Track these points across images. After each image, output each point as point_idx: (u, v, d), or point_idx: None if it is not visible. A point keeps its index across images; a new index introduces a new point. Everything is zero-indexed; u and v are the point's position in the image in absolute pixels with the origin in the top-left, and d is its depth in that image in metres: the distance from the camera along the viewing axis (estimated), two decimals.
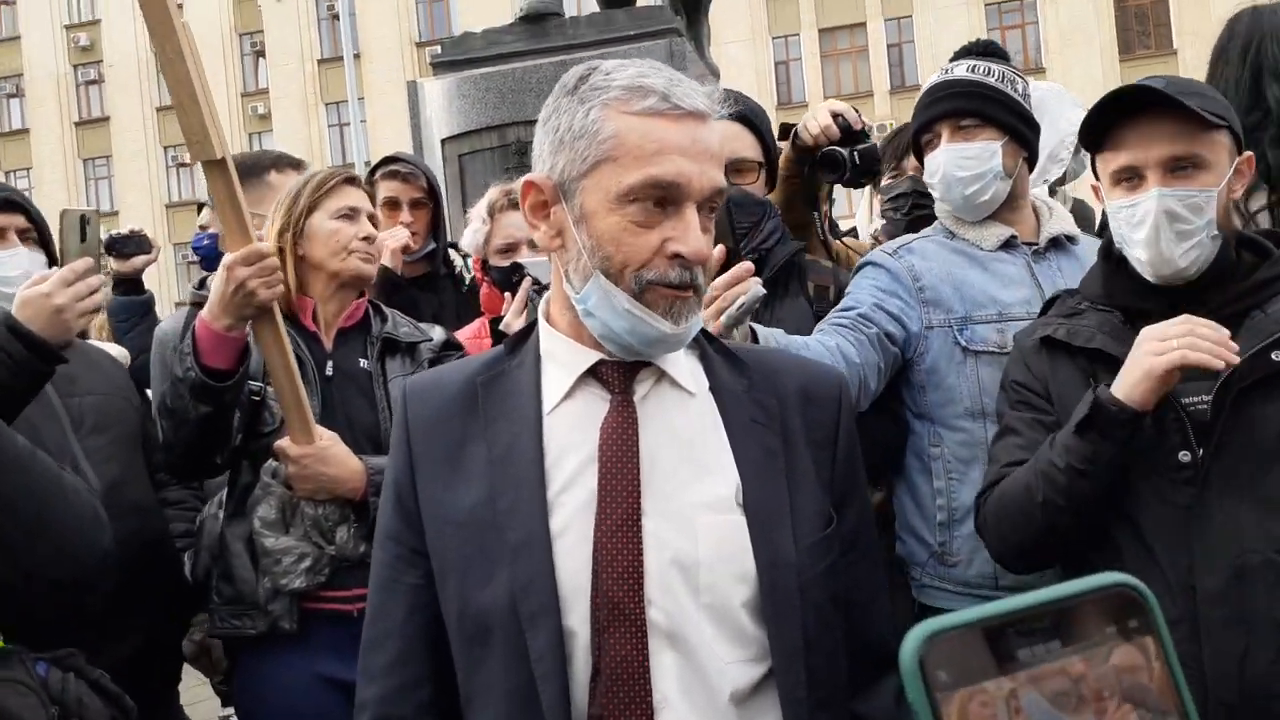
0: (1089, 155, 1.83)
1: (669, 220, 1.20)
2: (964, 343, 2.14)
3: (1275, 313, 1.66)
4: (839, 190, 3.37)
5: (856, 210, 4.63)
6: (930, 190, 2.31)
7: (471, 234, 2.87)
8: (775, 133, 2.61)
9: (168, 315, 3.06)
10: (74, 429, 2.22)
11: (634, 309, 1.20)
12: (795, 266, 2.40)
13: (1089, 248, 2.22)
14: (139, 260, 3.36)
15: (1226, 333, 1.57)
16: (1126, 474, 1.67)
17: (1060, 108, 3.01)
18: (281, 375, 2.04)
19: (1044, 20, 29.67)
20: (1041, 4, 29.67)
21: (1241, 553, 1.58)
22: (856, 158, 2.43)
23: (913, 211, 2.78)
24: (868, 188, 4.07)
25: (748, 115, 2.44)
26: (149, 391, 2.74)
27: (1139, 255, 1.73)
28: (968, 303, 2.16)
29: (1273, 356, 1.61)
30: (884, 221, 3.11)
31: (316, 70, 32.67)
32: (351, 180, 2.36)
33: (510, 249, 2.75)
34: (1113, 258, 1.82)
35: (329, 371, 2.24)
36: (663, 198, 1.19)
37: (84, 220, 2.11)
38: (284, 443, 2.08)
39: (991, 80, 2.19)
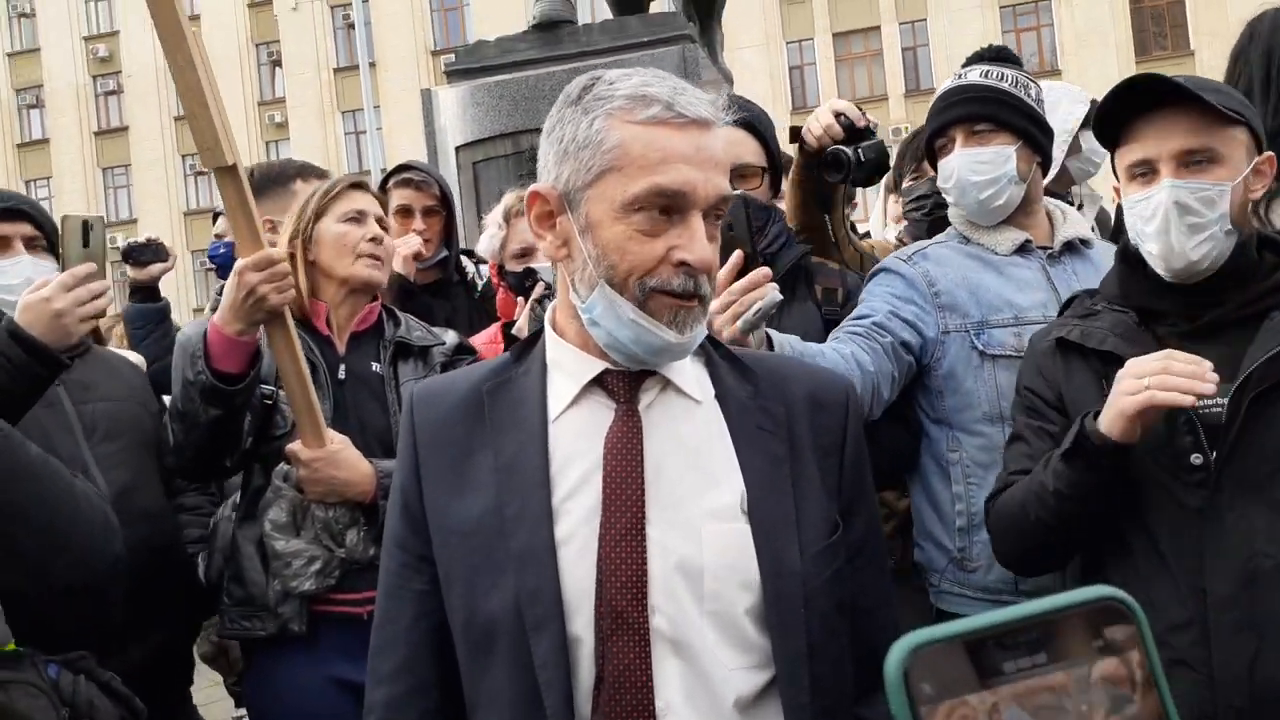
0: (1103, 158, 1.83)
1: (674, 229, 1.20)
2: (981, 347, 2.14)
3: None
4: (862, 192, 3.33)
5: (871, 213, 4.62)
6: (945, 194, 2.30)
7: (488, 240, 2.89)
8: (786, 136, 2.60)
9: (187, 322, 3.08)
10: (86, 435, 2.24)
11: (638, 318, 1.20)
12: (802, 270, 2.39)
13: (1104, 252, 2.21)
14: (155, 268, 3.38)
15: (1207, 365, 1.54)
16: (1138, 476, 1.65)
17: (1070, 106, 2.98)
18: (293, 379, 2.05)
19: (1059, 22, 29.55)
20: (1057, 6, 29.55)
21: (1253, 556, 1.57)
22: (861, 155, 2.40)
23: (934, 211, 2.76)
24: (881, 191, 4.06)
25: (751, 121, 2.43)
26: (166, 398, 2.75)
27: (1151, 249, 1.72)
28: (984, 307, 2.16)
29: None
30: (906, 223, 3.10)
31: (333, 79, 32.87)
32: (358, 185, 2.38)
33: (526, 254, 2.77)
34: (1130, 257, 1.80)
35: (341, 375, 2.26)
36: (668, 206, 1.19)
37: (86, 226, 2.11)
38: (295, 446, 2.09)
39: (1005, 85, 2.18)
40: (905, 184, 3.08)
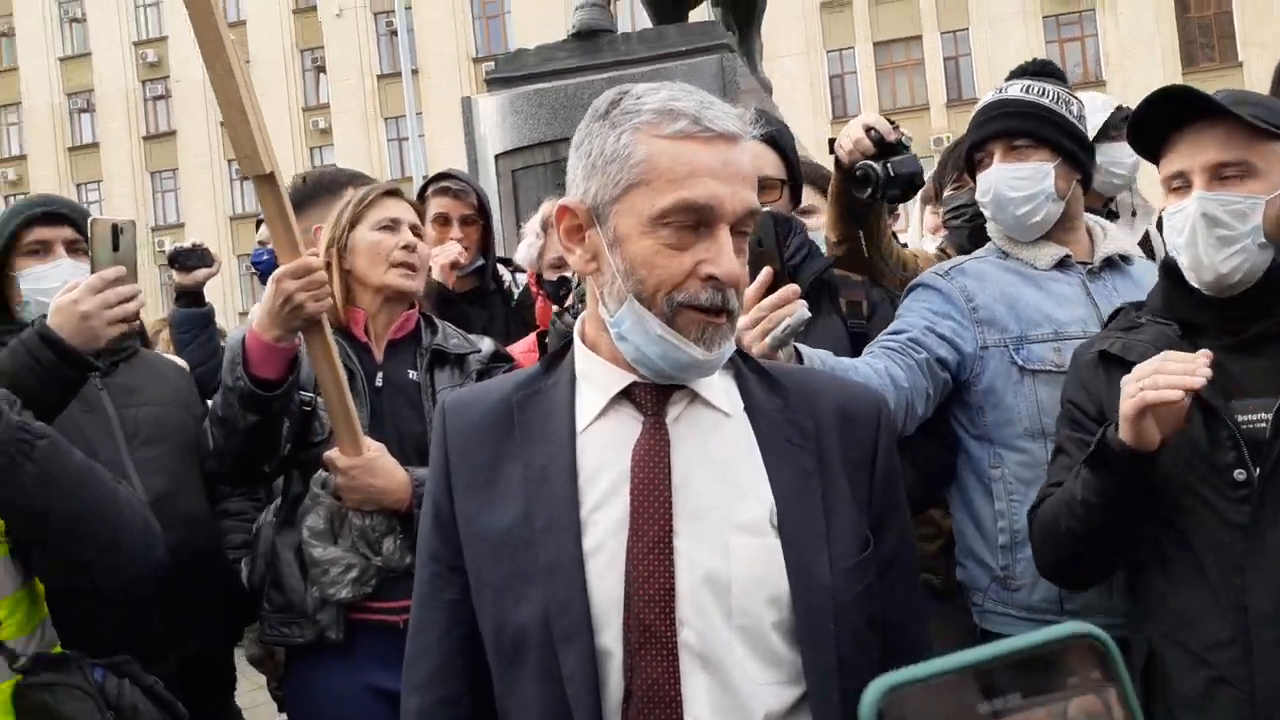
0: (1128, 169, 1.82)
1: (702, 243, 1.20)
2: (1020, 362, 2.11)
3: None
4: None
5: (909, 224, 4.58)
6: (983, 208, 2.29)
7: (526, 249, 2.91)
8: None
9: (234, 327, 3.12)
10: (127, 440, 2.26)
11: (666, 334, 1.20)
12: (825, 284, 2.37)
13: (1145, 269, 2.18)
14: (200, 273, 3.42)
15: (1201, 360, 1.53)
16: (1181, 491, 1.65)
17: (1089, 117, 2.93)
18: (330, 386, 2.06)
19: (1103, 32, 29.15)
20: (1101, 16, 29.15)
21: None
22: (891, 170, 2.35)
23: (975, 219, 2.74)
24: (917, 202, 4.02)
25: (772, 134, 2.42)
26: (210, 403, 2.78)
27: (1183, 261, 1.72)
28: (1023, 322, 2.14)
29: None
30: (946, 233, 3.08)
31: (376, 85, 33.16)
32: (393, 193, 2.39)
33: (564, 263, 2.77)
34: (1172, 271, 1.80)
35: (379, 383, 2.27)
36: (696, 220, 1.19)
37: (117, 230, 2.10)
38: (332, 453, 2.10)
39: (1045, 100, 2.16)
40: (946, 193, 3.06)
